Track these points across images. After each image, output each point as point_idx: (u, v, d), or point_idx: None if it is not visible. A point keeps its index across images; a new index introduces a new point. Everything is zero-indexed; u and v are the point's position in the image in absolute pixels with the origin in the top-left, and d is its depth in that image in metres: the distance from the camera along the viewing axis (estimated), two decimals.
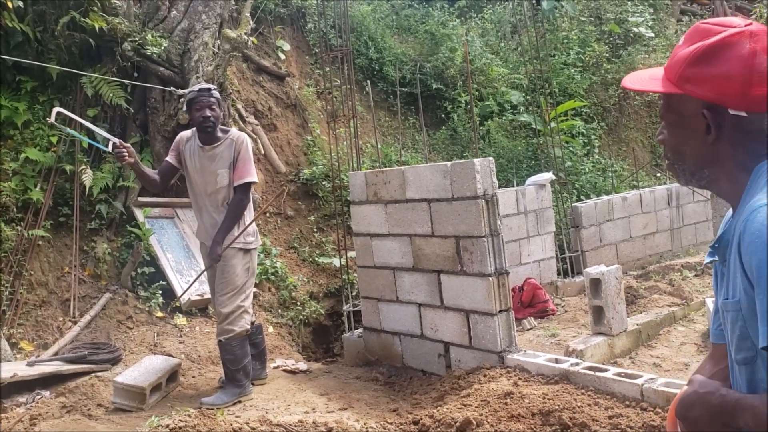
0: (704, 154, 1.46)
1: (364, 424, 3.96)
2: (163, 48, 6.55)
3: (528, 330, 6.48)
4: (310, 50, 10.08)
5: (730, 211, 1.55)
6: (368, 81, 9.34)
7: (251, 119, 8.04)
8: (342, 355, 6.42)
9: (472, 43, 10.95)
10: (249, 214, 4.89)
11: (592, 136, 10.96)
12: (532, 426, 3.52)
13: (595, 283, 5.42)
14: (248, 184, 4.79)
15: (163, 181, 4.96)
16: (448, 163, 4.84)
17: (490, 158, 4.76)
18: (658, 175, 11.18)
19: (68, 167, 6.23)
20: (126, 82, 6.42)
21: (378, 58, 10.39)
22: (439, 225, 4.95)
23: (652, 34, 12.36)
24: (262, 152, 7.88)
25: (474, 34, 11.60)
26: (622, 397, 3.72)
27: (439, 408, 4.01)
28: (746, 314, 1.31)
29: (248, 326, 4.85)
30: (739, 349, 1.36)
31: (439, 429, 3.74)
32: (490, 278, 4.64)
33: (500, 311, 4.66)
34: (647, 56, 11.91)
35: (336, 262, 7.08)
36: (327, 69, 8.22)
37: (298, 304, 6.89)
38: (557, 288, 7.85)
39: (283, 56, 9.43)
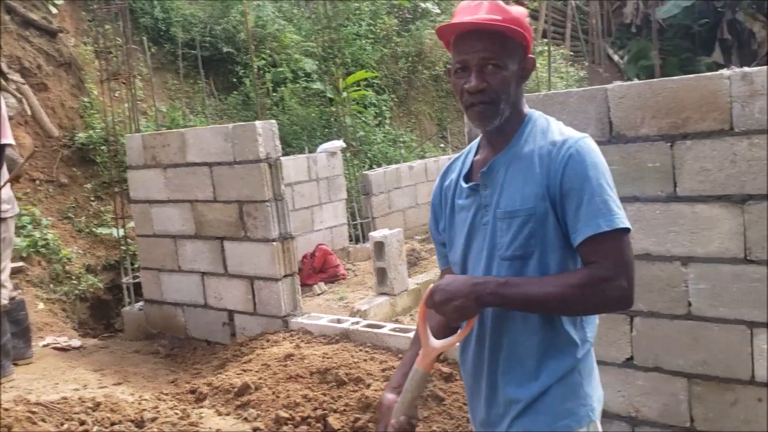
0: (516, 95, 1.70)
1: (139, 396, 3.76)
2: None
3: (318, 295, 6.55)
4: (87, 5, 9.29)
5: (468, 151, 1.83)
6: (146, 40, 8.80)
7: (16, 77, 7.25)
8: (124, 330, 6.08)
9: (264, 8, 10.73)
10: (3, 180, 4.40)
11: (384, 108, 11.27)
12: (309, 384, 3.55)
13: (379, 246, 5.59)
14: (2, 147, 4.30)
15: None
16: (230, 125, 4.70)
17: (273, 121, 4.69)
18: (442, 146, 11.78)
19: None
20: None
21: (165, 18, 9.85)
22: (221, 190, 4.80)
23: (439, 11, 12.91)
24: (30, 113, 7.16)
25: None
26: (396, 351, 3.87)
27: (218, 375, 3.92)
28: (539, 218, 1.61)
29: (6, 302, 4.39)
30: (519, 247, 1.63)
31: (216, 395, 3.66)
32: (275, 243, 4.60)
33: (285, 276, 4.65)
34: (434, 32, 12.42)
35: (116, 232, 6.65)
36: (107, 27, 7.62)
37: (73, 278, 6.39)
38: (349, 253, 8.03)
39: (55, 10, 8.60)
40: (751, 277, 2.66)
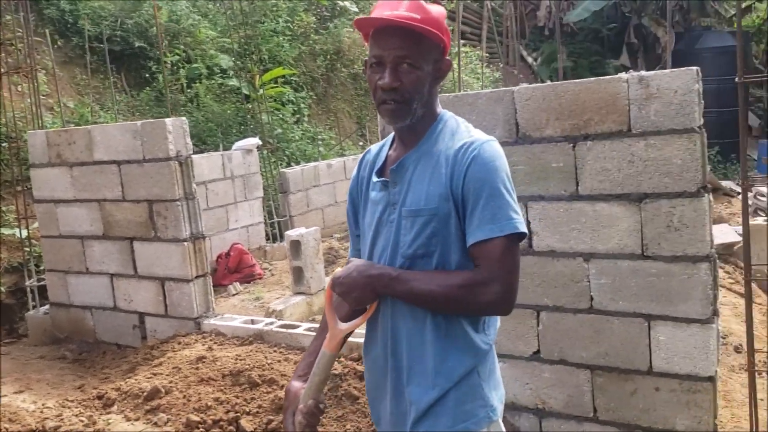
0: (430, 95, 1.72)
1: (42, 405, 3.61)
2: None
3: (234, 295, 6.45)
4: None
5: (383, 144, 1.84)
6: (52, 33, 8.45)
7: None
8: (28, 336, 5.81)
9: (178, 3, 10.47)
10: None
11: (302, 105, 11.19)
12: (221, 387, 3.50)
13: (296, 245, 5.55)
14: None
15: None
16: (139, 123, 4.57)
17: (183, 118, 4.59)
18: (361, 144, 11.81)
19: None
20: None
21: (72, 10, 9.46)
22: (130, 189, 4.66)
23: (357, 9, 12.91)
24: None
25: None
26: None
27: (127, 380, 3.81)
28: (442, 218, 1.63)
29: None
30: (421, 246, 1.65)
31: (125, 400, 3.56)
32: (186, 243, 4.50)
33: (197, 277, 4.56)
34: (352, 30, 12.42)
35: (19, 233, 6.34)
36: (8, 17, 7.26)
37: None
38: (266, 252, 7.93)
39: None
40: (647, 271, 2.78)
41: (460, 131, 1.71)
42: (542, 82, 15.63)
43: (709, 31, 14.81)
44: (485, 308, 1.62)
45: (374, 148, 1.88)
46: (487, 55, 16.63)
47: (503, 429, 1.73)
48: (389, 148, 1.81)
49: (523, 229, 1.61)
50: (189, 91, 9.90)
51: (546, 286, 3.03)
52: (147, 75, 9.80)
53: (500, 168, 1.63)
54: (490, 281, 1.57)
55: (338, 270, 1.70)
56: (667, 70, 2.67)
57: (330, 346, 1.71)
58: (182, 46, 10.08)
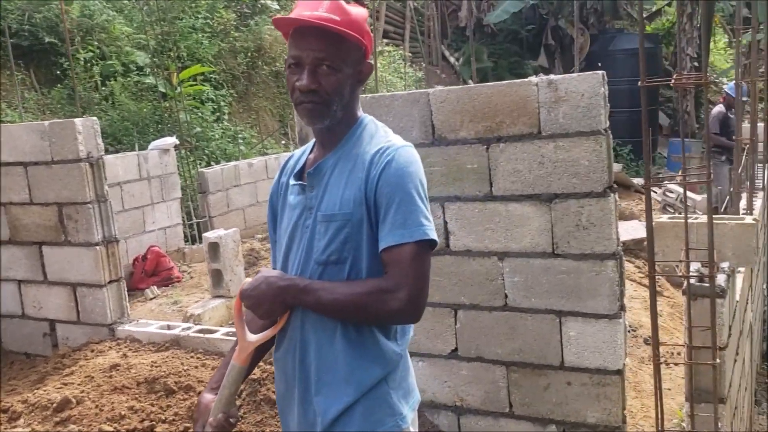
0: (351, 97, 1.69)
1: None
2: None
3: (151, 299, 6.29)
4: None
5: (305, 149, 1.82)
6: None
7: None
8: None
9: None
10: None
11: (222, 103, 11.01)
12: (136, 395, 3.40)
13: (214, 247, 5.46)
14: None
15: None
16: (46, 123, 4.39)
17: (94, 118, 4.43)
18: (284, 142, 11.71)
19: None
20: None
21: None
22: (38, 191, 4.47)
23: (278, 7, 12.79)
24: None
25: None
26: None
27: (36, 391, 3.66)
28: (355, 223, 1.61)
29: None
30: (334, 252, 1.63)
31: (33, 413, 3.41)
32: (98, 248, 4.35)
33: (110, 282, 4.41)
34: (273, 27, 12.30)
35: None
36: None
37: None
38: (185, 255, 7.76)
39: None
40: (558, 269, 2.86)
41: (379, 135, 1.70)
42: (464, 82, 15.92)
43: (621, 33, 15.38)
44: (393, 315, 1.59)
45: (297, 153, 1.85)
46: (410, 54, 16.78)
47: None
48: (310, 152, 1.79)
49: (434, 236, 1.59)
50: (104, 89, 9.59)
51: (463, 285, 3.07)
52: (59, 72, 9.43)
53: (414, 174, 1.62)
54: (397, 288, 1.55)
55: (246, 281, 1.67)
56: (574, 74, 2.75)
57: (240, 358, 1.68)
58: (96, 43, 9.75)
